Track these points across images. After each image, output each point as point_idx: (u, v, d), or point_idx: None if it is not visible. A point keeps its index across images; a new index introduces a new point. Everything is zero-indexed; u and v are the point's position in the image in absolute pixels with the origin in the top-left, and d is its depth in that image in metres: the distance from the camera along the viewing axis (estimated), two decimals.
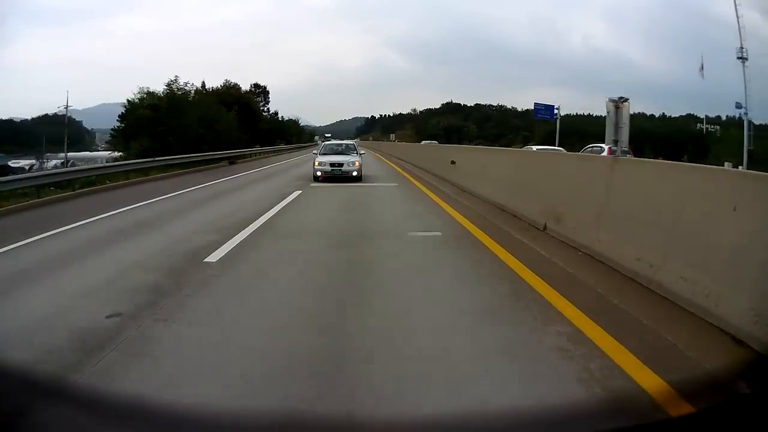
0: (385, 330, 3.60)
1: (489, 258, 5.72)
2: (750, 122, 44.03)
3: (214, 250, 6.10)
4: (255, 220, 8.32)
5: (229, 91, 45.20)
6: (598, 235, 5.44)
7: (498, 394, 2.65)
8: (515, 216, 8.22)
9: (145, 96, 27.06)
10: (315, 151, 18.25)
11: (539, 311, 3.91)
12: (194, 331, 3.67)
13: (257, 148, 37.53)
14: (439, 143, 42.36)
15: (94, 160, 37.14)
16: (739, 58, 44.62)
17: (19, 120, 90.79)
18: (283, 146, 50.51)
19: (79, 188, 14.13)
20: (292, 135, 66.19)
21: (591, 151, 18.07)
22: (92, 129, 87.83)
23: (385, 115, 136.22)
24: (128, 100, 27.26)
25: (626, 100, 5.40)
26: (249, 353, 3.24)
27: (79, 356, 3.23)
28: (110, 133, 31.93)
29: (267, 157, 36.62)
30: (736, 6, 42.86)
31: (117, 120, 29.41)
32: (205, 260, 5.70)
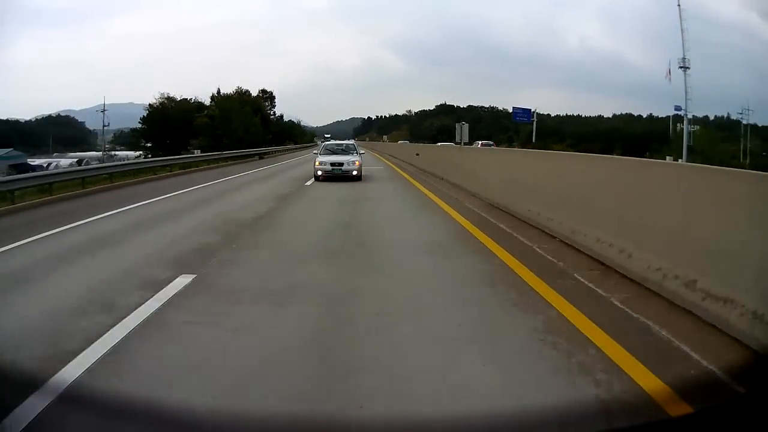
0: (372, 215, 11.45)
1: (402, 181, 13.78)
2: (690, 120, 52.76)
3: (285, 199, 13.95)
4: (301, 188, 14.73)
5: (243, 97, 50.14)
6: (455, 178, 13.43)
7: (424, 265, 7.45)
8: (442, 179, 16.08)
9: (165, 101, 35.10)
10: (315, 151, 18.89)
11: (438, 211, 11.81)
12: (276, 234, 7.58)
13: (274, 147, 45.03)
14: (420, 143, 51.70)
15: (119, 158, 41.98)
16: (680, 67, 52.94)
17: (23, 121, 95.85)
18: (290, 146, 57.54)
19: (140, 177, 18.26)
20: (296, 136, 73.54)
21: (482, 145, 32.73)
22: (94, 129, 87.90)
23: (381, 116, 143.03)
24: (150, 105, 35.19)
25: (465, 123, 13.45)
26: (306, 240, 6.91)
27: (199, 259, 5.68)
28: (129, 133, 38.92)
29: (282, 154, 44.86)
30: (681, 20, 51.01)
31: (139, 122, 36.88)
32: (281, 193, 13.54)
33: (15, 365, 2.90)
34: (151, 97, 28.71)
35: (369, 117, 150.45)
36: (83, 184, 14.42)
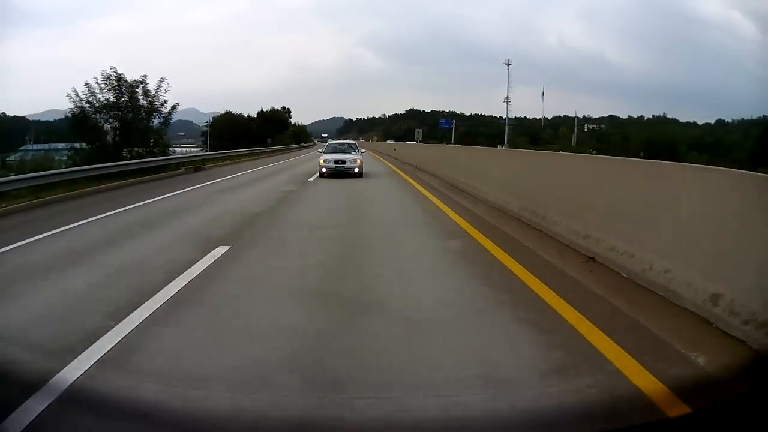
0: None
1: (382, 163, 21.40)
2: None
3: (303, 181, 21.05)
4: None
5: (276, 114, 71.96)
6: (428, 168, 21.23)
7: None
8: (405, 162, 23.60)
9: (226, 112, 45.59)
10: (320, 150, 20.51)
11: (402, 180, 19.34)
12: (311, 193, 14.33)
13: (294, 145, 60.67)
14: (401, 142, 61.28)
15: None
16: (505, 100, 63.99)
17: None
18: (302, 145, 73.23)
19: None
20: (303, 138, 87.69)
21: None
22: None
23: (360, 118, 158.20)
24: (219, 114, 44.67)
25: (419, 130, 21.34)
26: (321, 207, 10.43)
27: (244, 221, 8.20)
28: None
29: (301, 149, 58.51)
30: (508, 70, 62.49)
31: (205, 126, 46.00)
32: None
33: (16, 365, 2.90)
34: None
35: (350, 118, 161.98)
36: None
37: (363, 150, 20.26)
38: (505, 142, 56.99)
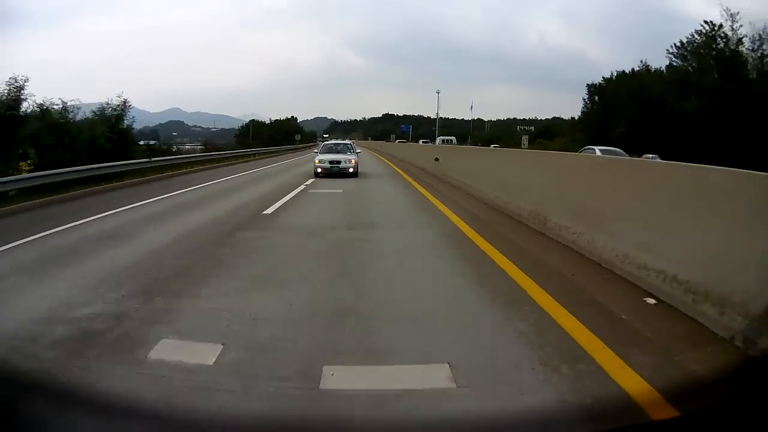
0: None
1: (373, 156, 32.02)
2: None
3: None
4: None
5: (289, 121, 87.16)
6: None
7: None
8: (393, 156, 33.68)
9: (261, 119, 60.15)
10: (316, 150, 20.36)
11: (391, 169, 28.43)
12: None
13: (302, 144, 69.85)
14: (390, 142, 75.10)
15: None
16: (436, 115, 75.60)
17: None
18: (311, 143, 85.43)
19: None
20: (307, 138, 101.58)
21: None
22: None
23: (344, 120, 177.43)
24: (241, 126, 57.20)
25: (393, 135, 32.67)
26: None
27: (263, 206, 9.19)
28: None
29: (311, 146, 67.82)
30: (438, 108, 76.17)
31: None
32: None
33: (16, 365, 2.86)
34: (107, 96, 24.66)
35: (336, 120, 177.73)
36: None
37: (359, 150, 20.55)
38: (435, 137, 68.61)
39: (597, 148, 19.34)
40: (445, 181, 13.98)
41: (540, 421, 2.26)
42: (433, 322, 3.50)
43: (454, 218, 7.68)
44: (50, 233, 6.87)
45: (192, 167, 21.37)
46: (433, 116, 78.72)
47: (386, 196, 11.39)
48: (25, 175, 12.53)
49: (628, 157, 13.91)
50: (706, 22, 31.99)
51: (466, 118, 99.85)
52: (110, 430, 1.65)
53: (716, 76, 29.51)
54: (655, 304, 3.73)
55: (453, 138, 50.12)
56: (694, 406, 1.82)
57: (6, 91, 14.42)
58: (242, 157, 31.36)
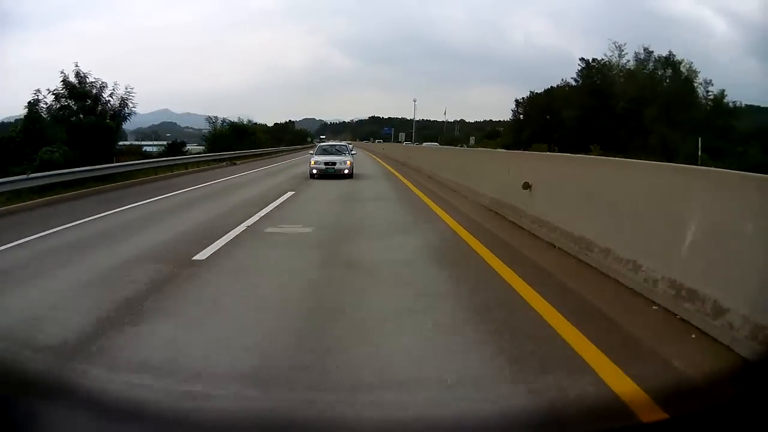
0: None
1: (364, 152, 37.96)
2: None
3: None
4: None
5: (286, 125, 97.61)
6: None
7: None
8: (385, 155, 40.26)
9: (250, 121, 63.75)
10: (311, 152, 20.26)
11: (378, 164, 34.06)
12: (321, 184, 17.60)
13: (301, 145, 74.67)
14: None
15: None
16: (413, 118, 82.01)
17: None
18: (307, 145, 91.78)
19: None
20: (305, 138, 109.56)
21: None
22: None
23: (333, 122, 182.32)
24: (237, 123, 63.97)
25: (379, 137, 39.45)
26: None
27: (266, 201, 10.63)
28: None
29: (308, 147, 72.24)
30: (414, 114, 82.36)
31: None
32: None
33: (16, 364, 2.85)
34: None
35: (325, 121, 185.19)
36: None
37: (354, 152, 20.57)
38: (413, 139, 74.13)
39: (427, 144, 45.27)
40: (414, 167, 20.93)
41: (527, 422, 2.32)
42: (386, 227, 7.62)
43: (409, 184, 14.40)
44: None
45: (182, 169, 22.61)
46: (416, 118, 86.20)
47: (371, 188, 14.46)
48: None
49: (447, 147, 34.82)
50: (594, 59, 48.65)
51: (449, 120, 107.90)
52: (110, 430, 1.67)
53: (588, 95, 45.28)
54: (486, 208, 8.86)
55: (436, 143, 57.37)
56: (684, 409, 1.86)
57: (118, 102, 20.07)
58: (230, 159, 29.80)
